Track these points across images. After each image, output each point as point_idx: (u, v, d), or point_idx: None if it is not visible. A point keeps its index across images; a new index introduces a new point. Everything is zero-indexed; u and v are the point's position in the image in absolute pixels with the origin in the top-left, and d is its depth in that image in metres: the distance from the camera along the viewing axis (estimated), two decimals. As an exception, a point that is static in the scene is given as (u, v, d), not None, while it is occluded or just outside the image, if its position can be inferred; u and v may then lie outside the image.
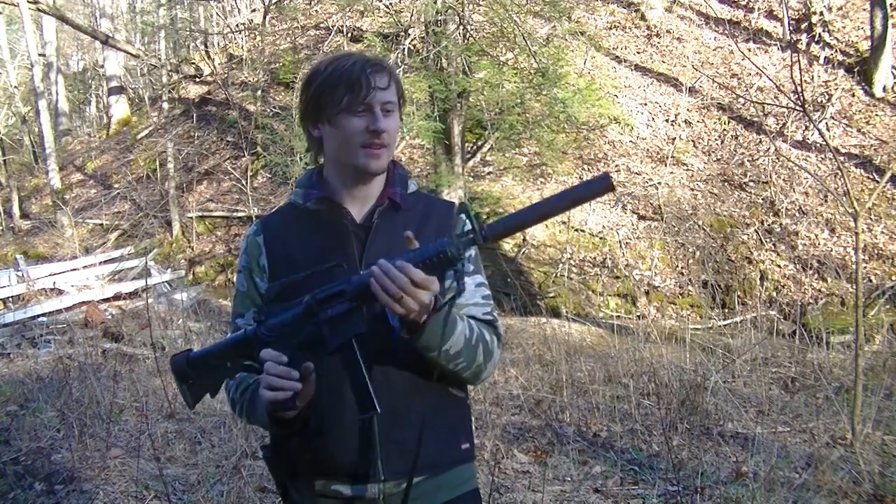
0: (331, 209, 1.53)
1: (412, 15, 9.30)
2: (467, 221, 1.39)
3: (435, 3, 8.36)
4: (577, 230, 10.05)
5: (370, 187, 1.55)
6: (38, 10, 15.13)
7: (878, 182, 8.80)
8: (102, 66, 18.76)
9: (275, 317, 1.40)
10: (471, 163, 11.03)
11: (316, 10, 14.25)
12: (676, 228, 9.80)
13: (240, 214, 12.51)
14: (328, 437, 1.48)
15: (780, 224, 9.43)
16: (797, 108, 6.70)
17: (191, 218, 13.04)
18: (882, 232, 8.91)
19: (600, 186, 1.28)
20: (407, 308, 1.31)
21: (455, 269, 1.30)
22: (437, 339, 1.38)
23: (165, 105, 14.97)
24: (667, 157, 10.69)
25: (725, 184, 10.21)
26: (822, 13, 11.76)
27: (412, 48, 9.09)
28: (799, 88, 4.54)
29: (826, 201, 9.48)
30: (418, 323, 1.35)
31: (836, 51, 11.32)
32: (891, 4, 10.26)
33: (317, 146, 1.56)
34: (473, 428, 1.65)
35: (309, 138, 1.57)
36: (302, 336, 1.38)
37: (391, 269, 1.29)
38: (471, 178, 10.78)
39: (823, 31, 11.65)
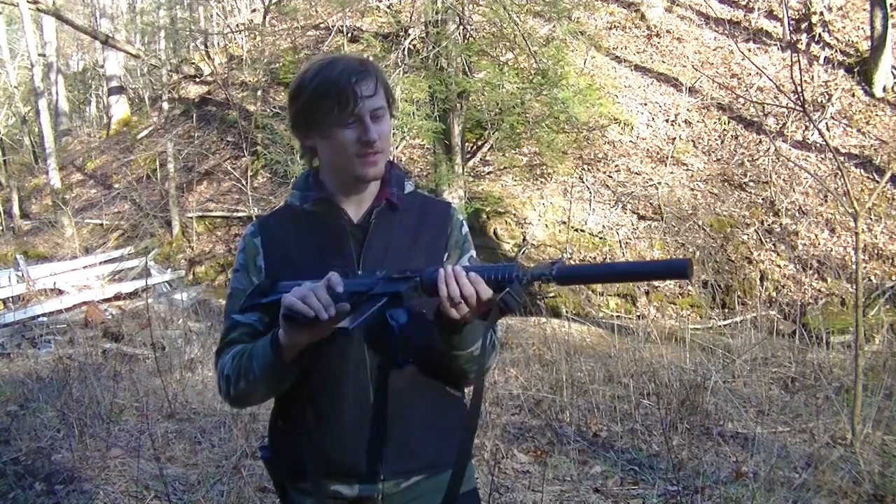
0: (328, 210, 1.54)
1: (412, 15, 9.31)
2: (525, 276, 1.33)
3: (435, 3, 8.36)
4: (577, 230, 10.05)
5: (366, 187, 1.55)
6: (38, 10, 15.13)
7: (878, 182, 8.80)
8: (102, 66, 18.76)
9: (350, 281, 1.39)
10: (471, 163, 11.03)
11: (316, 10, 14.24)
12: (676, 228, 9.80)
13: (240, 214, 12.51)
14: (327, 436, 1.48)
15: (780, 224, 9.42)
16: (797, 108, 6.70)
17: (191, 218, 13.04)
18: (882, 232, 8.91)
19: (678, 269, 1.28)
20: (460, 313, 1.34)
21: (511, 291, 1.32)
22: (470, 342, 1.42)
23: (165, 105, 14.97)
24: (667, 157, 10.69)
25: (725, 184, 10.21)
26: (822, 13, 11.76)
27: (412, 48, 9.09)
28: (799, 88, 4.54)
29: (826, 201, 9.47)
30: (458, 323, 1.37)
31: (836, 51, 11.32)
32: (891, 4, 10.26)
33: (310, 153, 1.56)
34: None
35: (301, 146, 1.58)
36: (361, 307, 1.37)
37: (463, 275, 1.32)
38: (471, 178, 10.78)
39: (823, 31, 11.64)
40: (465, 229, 1.64)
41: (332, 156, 1.50)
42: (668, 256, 9.55)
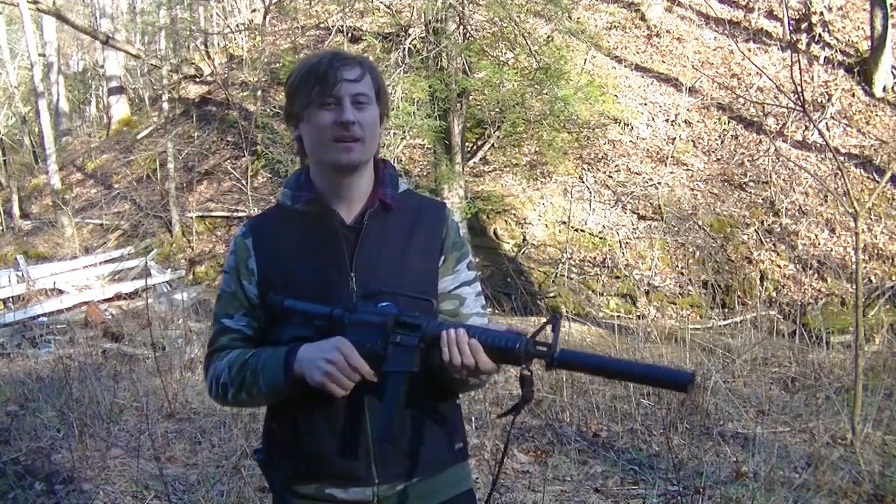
0: (320, 211, 1.52)
1: (412, 15, 9.30)
2: (552, 334, 1.36)
3: (435, 2, 8.36)
4: (577, 230, 10.05)
5: (356, 186, 1.52)
6: (38, 10, 15.13)
7: (878, 182, 8.80)
8: (102, 66, 18.76)
9: (361, 313, 1.41)
10: (471, 162, 11.04)
11: (316, 10, 14.24)
12: (676, 228, 9.80)
13: (240, 214, 12.50)
14: (322, 440, 1.47)
15: (780, 224, 9.42)
16: (797, 108, 6.70)
17: (191, 218, 13.04)
18: (882, 232, 8.91)
19: (681, 382, 1.26)
20: (458, 373, 1.36)
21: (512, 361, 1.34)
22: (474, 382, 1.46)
23: (165, 105, 14.96)
24: (667, 157, 10.68)
25: (725, 184, 10.21)
26: (822, 13, 11.75)
27: (412, 48, 9.09)
28: (799, 88, 4.54)
29: (826, 201, 9.47)
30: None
31: (836, 51, 11.32)
32: (891, 4, 10.25)
33: (299, 143, 1.56)
34: (465, 428, 1.66)
35: (295, 141, 1.57)
36: (368, 342, 1.40)
37: (464, 342, 1.33)
38: (471, 178, 10.78)
39: (823, 31, 11.64)
40: (461, 231, 1.63)
41: (313, 143, 1.49)
42: (666, 253, 9.55)
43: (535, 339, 1.33)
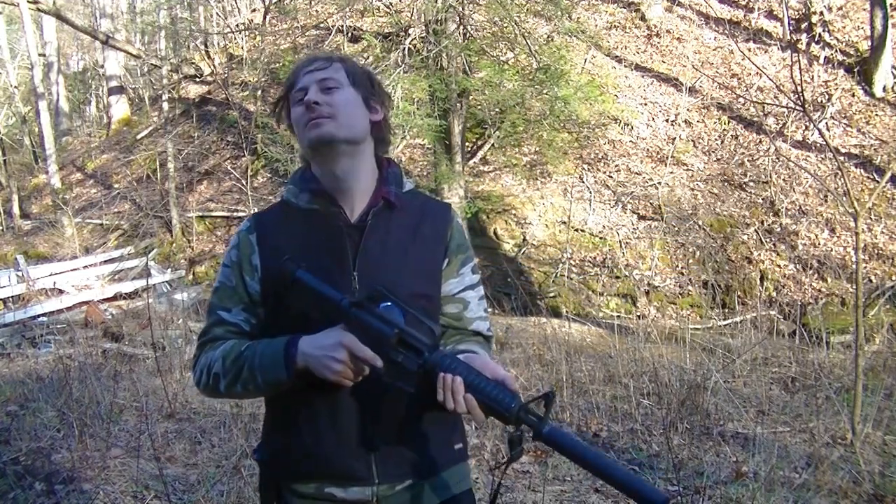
0: (324, 208, 1.51)
1: (412, 14, 9.31)
2: (543, 408, 1.33)
3: (435, 2, 8.36)
4: (577, 230, 10.05)
5: (355, 180, 1.52)
6: (38, 10, 15.13)
7: (878, 182, 8.79)
8: (102, 66, 18.76)
9: (367, 315, 1.40)
10: (471, 162, 11.03)
11: (316, 10, 14.24)
12: (676, 228, 9.80)
13: (240, 214, 12.50)
14: (322, 439, 1.47)
15: (780, 224, 9.42)
16: (797, 108, 6.70)
17: (191, 218, 13.04)
18: (882, 232, 8.91)
19: (653, 500, 1.24)
20: (450, 412, 1.36)
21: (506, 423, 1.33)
22: None
23: (165, 105, 14.96)
24: (667, 157, 10.68)
25: (725, 184, 10.21)
26: (822, 13, 11.75)
27: (412, 48, 9.09)
28: (799, 88, 4.54)
29: (826, 201, 9.47)
30: None
31: (836, 51, 11.32)
32: (891, 4, 10.25)
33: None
34: (465, 428, 1.65)
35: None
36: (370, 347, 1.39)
37: (460, 393, 1.32)
38: (471, 178, 10.78)
39: (823, 31, 11.64)
40: (464, 232, 1.63)
41: (298, 139, 1.54)
42: (666, 253, 9.54)
43: (528, 406, 1.33)
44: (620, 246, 9.81)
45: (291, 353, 1.40)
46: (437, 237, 1.55)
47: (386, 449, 1.46)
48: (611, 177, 10.70)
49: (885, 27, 10.28)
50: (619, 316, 8.52)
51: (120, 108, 17.69)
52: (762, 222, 9.55)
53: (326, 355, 1.37)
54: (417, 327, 1.39)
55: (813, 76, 10.99)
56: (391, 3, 10.10)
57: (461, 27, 8.77)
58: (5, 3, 16.61)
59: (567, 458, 1.34)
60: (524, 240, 10.15)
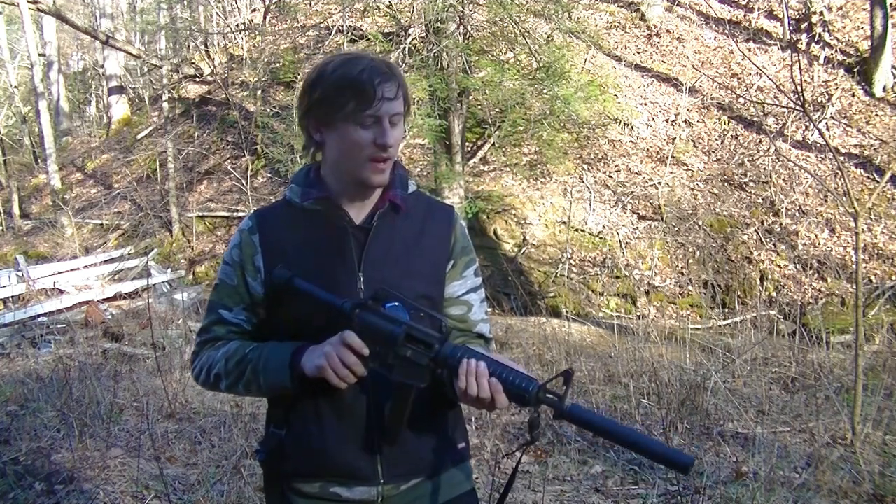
0: (329, 210, 1.50)
1: (412, 14, 9.30)
2: (564, 386, 1.32)
3: (435, 2, 8.36)
4: (577, 230, 10.05)
5: (370, 193, 1.52)
6: (38, 10, 15.12)
7: (878, 182, 8.79)
8: (102, 66, 18.77)
9: (371, 315, 1.40)
10: (471, 162, 11.03)
11: (316, 10, 14.24)
12: (676, 228, 9.80)
13: (240, 214, 12.51)
14: (327, 439, 1.47)
15: (780, 224, 9.42)
16: (797, 108, 6.70)
17: (191, 217, 13.05)
18: (882, 232, 8.90)
19: (683, 464, 1.26)
20: (468, 402, 1.36)
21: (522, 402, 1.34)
22: None
23: (165, 105, 14.96)
24: (667, 157, 10.68)
25: (725, 184, 10.21)
26: (822, 13, 11.75)
27: (413, 47, 9.09)
28: (799, 88, 4.53)
29: (826, 201, 9.47)
30: None
31: (836, 51, 11.32)
32: (891, 4, 10.25)
33: (316, 147, 1.51)
34: (467, 428, 1.66)
35: (308, 138, 1.52)
36: (374, 349, 1.38)
37: (484, 377, 1.33)
38: (471, 178, 10.78)
39: (823, 31, 11.64)
40: (467, 234, 1.62)
41: (341, 155, 1.45)
42: (666, 253, 9.54)
43: (547, 386, 1.33)
44: (620, 246, 9.81)
45: (296, 362, 1.41)
46: (442, 240, 1.55)
47: (391, 448, 1.46)
48: (611, 177, 10.70)
49: (885, 27, 10.28)
50: (619, 316, 8.52)
51: (120, 108, 17.70)
52: (762, 222, 9.55)
53: (321, 354, 1.38)
54: (425, 323, 1.39)
55: (813, 76, 10.99)
56: (391, 3, 10.10)
57: (461, 27, 8.77)
58: (5, 3, 16.61)
59: (592, 433, 1.35)
60: (524, 240, 10.15)
